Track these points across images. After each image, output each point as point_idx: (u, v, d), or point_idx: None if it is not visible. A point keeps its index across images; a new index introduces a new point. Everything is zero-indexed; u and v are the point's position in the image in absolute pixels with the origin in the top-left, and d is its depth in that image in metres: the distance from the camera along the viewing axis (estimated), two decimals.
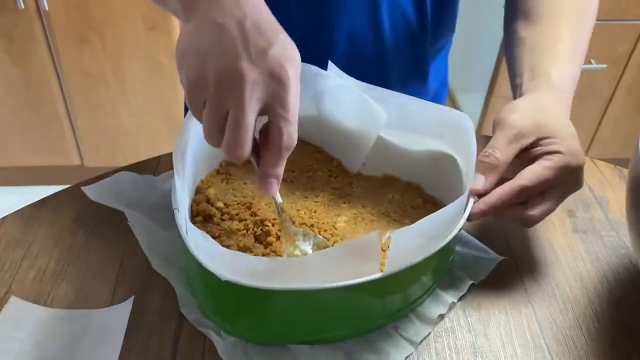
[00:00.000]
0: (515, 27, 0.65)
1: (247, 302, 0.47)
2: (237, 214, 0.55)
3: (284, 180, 0.58)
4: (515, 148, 0.53)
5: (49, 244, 0.59)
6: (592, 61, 1.78)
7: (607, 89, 1.86)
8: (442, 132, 0.59)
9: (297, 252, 0.52)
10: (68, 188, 0.66)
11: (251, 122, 0.41)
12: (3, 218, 0.61)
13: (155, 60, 1.68)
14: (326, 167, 0.64)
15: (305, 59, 0.46)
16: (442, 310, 0.53)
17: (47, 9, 1.55)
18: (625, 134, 1.97)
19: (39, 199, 0.64)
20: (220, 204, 0.57)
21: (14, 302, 0.52)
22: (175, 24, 1.63)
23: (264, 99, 0.41)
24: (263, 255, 0.51)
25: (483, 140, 0.76)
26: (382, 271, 0.44)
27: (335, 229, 0.56)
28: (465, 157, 0.56)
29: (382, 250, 0.51)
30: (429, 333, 0.52)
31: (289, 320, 0.48)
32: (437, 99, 0.85)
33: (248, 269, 0.43)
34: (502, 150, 0.52)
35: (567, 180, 0.53)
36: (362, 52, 0.71)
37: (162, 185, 0.64)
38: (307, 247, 0.52)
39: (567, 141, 0.53)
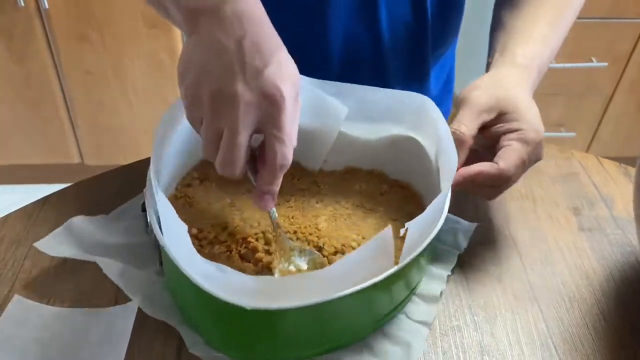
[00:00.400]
0: (500, 13, 0.67)
1: (267, 327, 0.45)
2: (215, 237, 0.53)
3: (249, 192, 0.58)
4: (479, 122, 0.54)
5: None
6: (593, 59, 1.78)
7: (608, 88, 1.86)
8: (403, 117, 0.59)
9: (291, 267, 0.51)
10: (70, 186, 0.65)
11: (243, 142, 0.42)
12: (5, 217, 0.61)
13: (156, 59, 1.68)
14: (287, 171, 0.63)
15: (300, 64, 0.46)
16: (442, 286, 0.55)
17: (47, 7, 1.55)
18: (626, 132, 1.97)
19: (40, 197, 0.63)
20: (194, 231, 0.53)
21: (17, 300, 0.51)
22: None
23: (257, 119, 0.42)
24: (257, 273, 0.50)
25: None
26: (396, 264, 0.44)
27: (319, 230, 0.55)
28: (430, 138, 0.57)
29: None
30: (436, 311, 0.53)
31: (308, 335, 0.47)
32: (438, 103, 0.84)
33: (269, 290, 0.42)
34: (468, 125, 0.54)
35: (531, 155, 0.54)
36: (358, 57, 0.71)
37: (117, 224, 0.59)
38: (303, 263, 0.51)
39: (527, 116, 0.54)
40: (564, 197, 0.67)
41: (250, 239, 0.52)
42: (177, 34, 1.64)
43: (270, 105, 0.41)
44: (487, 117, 0.55)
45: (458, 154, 0.51)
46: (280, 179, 0.45)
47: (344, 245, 0.53)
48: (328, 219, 0.57)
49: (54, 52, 1.65)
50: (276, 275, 0.49)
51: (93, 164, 1.90)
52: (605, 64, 1.77)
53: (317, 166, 0.63)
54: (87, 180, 0.66)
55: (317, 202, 0.59)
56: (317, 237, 0.54)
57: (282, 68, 0.43)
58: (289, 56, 0.45)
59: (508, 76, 0.58)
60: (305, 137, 0.60)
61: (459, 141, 0.53)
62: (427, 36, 0.72)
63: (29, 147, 1.85)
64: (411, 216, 0.49)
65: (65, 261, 0.56)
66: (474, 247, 0.60)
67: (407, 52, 0.73)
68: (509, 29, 0.64)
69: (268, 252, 0.51)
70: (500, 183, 0.53)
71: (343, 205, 0.59)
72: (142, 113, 1.79)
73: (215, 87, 0.41)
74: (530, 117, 0.54)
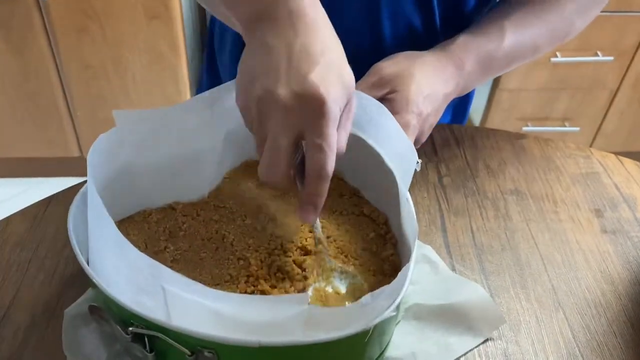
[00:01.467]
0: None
1: None
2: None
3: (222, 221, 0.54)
4: (374, 95, 0.54)
5: (57, 245, 0.56)
6: (599, 53, 1.76)
7: (613, 82, 1.84)
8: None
9: (328, 288, 0.48)
10: (75, 185, 0.63)
11: (285, 148, 0.40)
12: (8, 218, 0.59)
13: (156, 51, 1.65)
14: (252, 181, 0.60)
15: None
16: None
17: None
18: (630, 127, 1.96)
19: (39, 191, 0.61)
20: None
21: None
22: (177, 13, 1.60)
23: (299, 126, 0.40)
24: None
25: (486, 132, 0.74)
26: None
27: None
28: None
29: None
30: None
31: None
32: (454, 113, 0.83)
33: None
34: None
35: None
36: (361, 61, 0.68)
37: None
38: (342, 286, 0.48)
39: (408, 93, 0.56)
40: (585, 198, 0.65)
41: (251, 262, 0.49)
42: (178, 25, 1.61)
43: (312, 112, 0.39)
44: (381, 92, 0.56)
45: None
46: (325, 190, 0.42)
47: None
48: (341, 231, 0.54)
49: (53, 44, 1.62)
50: (310, 293, 0.47)
51: None
52: (611, 58, 1.75)
53: None
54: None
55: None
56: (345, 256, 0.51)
57: (331, 71, 0.41)
58: (344, 58, 0.43)
59: (425, 57, 0.59)
60: None
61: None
62: (437, 41, 0.69)
63: (28, 141, 1.82)
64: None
65: (70, 265, 0.54)
66: (495, 251, 0.58)
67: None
68: (480, 21, 0.64)
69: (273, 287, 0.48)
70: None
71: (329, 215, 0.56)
72: (142, 106, 1.77)
73: (260, 92, 0.40)
74: (410, 94, 0.55)
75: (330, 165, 0.41)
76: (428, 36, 0.69)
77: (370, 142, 0.55)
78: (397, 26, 0.68)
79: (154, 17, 1.59)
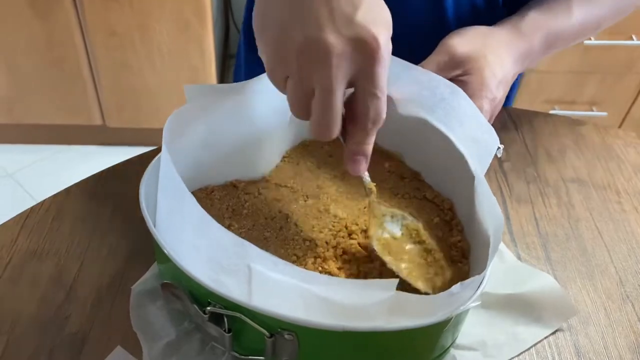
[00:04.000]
0: None
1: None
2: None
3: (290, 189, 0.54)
4: (445, 76, 0.51)
5: (117, 219, 0.55)
6: (634, 37, 1.72)
7: None
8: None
9: (385, 234, 0.48)
10: (131, 159, 0.62)
11: (340, 101, 0.38)
12: (67, 189, 0.58)
13: (182, 21, 1.62)
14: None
15: None
16: None
17: None
18: None
19: (104, 168, 0.60)
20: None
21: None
22: None
23: (351, 73, 0.37)
24: None
25: (544, 117, 0.72)
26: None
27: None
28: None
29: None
30: None
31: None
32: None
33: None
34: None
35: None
36: (423, 37, 0.66)
37: None
38: (397, 230, 0.48)
39: (483, 77, 0.53)
40: None
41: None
42: None
43: (365, 57, 0.37)
44: (452, 74, 0.54)
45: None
46: (374, 138, 0.41)
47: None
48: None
49: (79, 11, 1.60)
50: (375, 245, 0.46)
51: (114, 126, 1.87)
52: None
53: None
54: (155, 151, 0.62)
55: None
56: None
57: (374, 11, 0.37)
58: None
59: (498, 36, 0.57)
60: None
61: None
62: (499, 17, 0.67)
63: (51, 107, 1.81)
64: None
65: (133, 240, 0.53)
66: (560, 241, 0.57)
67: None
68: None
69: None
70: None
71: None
72: (167, 76, 1.75)
73: (301, 40, 0.36)
74: (484, 76, 0.53)
75: (385, 110, 0.39)
76: (489, 12, 0.66)
77: (436, 124, 0.54)
78: (460, 1, 0.66)
79: None
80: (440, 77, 0.52)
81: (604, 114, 1.91)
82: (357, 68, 0.37)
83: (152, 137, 1.81)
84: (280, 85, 0.40)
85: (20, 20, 1.60)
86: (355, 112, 0.39)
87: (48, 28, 1.63)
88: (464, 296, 0.40)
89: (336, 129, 0.39)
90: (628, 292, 0.53)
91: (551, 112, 1.88)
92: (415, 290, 0.45)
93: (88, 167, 0.61)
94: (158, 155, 0.47)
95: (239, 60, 0.85)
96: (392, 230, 0.48)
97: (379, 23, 0.37)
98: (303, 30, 0.36)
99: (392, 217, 0.48)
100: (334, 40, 0.36)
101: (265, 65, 0.40)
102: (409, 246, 0.48)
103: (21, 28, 1.62)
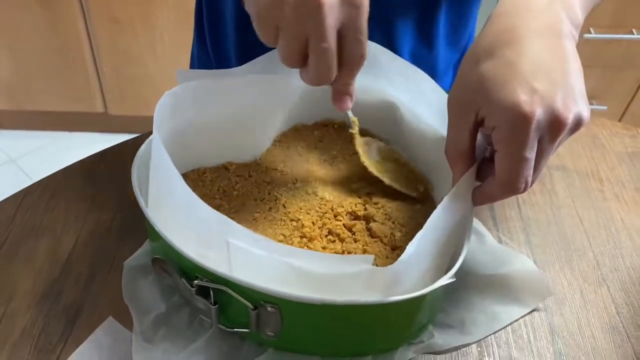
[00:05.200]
0: None
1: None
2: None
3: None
4: (467, 132, 0.43)
5: (112, 198, 0.57)
6: (634, 31, 1.72)
7: None
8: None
9: (371, 159, 0.55)
10: (127, 141, 0.64)
11: (334, 47, 0.41)
12: (65, 169, 0.60)
13: (185, 8, 1.64)
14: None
15: None
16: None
17: None
18: None
19: (97, 151, 0.62)
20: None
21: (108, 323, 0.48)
22: None
23: (340, 22, 0.41)
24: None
25: None
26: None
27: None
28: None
29: None
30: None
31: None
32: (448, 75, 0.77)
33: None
34: (454, 140, 0.45)
35: (524, 138, 0.39)
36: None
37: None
38: (375, 154, 0.55)
39: (493, 99, 0.40)
40: (631, 178, 0.65)
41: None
42: None
43: (351, 8, 0.40)
44: (468, 124, 0.43)
45: (453, 173, 0.45)
46: (356, 77, 0.45)
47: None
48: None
49: None
50: (372, 171, 0.54)
51: (116, 114, 1.88)
52: None
53: None
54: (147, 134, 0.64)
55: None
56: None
57: None
58: None
59: (491, 40, 0.43)
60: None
61: (452, 158, 0.46)
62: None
63: (53, 94, 1.83)
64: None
65: (126, 219, 0.55)
66: (541, 225, 0.59)
67: (415, 10, 0.67)
68: None
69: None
70: (512, 190, 0.42)
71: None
72: (168, 64, 1.76)
73: None
74: (497, 99, 0.40)
75: (367, 52, 0.43)
76: None
77: (417, 112, 0.56)
78: None
79: None
80: (423, 73, 0.55)
81: (604, 107, 1.91)
82: (345, 18, 0.40)
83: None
84: (271, 35, 0.41)
85: (24, 8, 1.62)
86: (342, 57, 0.42)
87: (51, 15, 1.64)
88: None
89: (334, 72, 0.42)
90: (604, 275, 0.54)
91: None
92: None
93: (90, 153, 0.63)
94: (150, 137, 0.49)
95: (192, 57, 0.83)
96: (373, 155, 0.55)
97: None
98: None
99: (368, 146, 0.55)
100: None
101: (254, 17, 0.41)
102: (387, 164, 0.56)
103: (25, 15, 1.63)
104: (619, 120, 1.98)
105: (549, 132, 0.40)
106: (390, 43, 0.65)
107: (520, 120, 0.39)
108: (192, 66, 0.82)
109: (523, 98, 0.39)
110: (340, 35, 0.41)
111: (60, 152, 1.90)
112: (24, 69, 1.76)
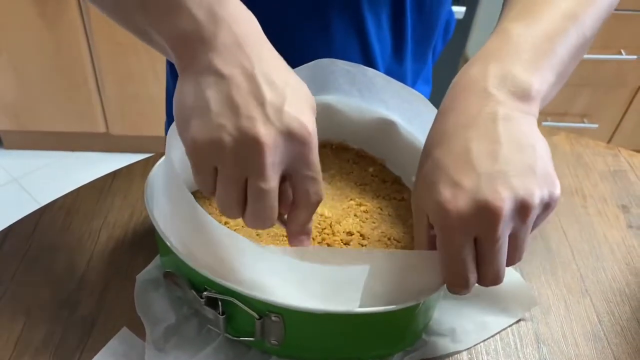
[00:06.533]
0: None
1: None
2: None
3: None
4: (422, 231, 0.44)
5: (124, 216, 0.61)
6: (623, 52, 1.77)
7: (635, 81, 1.86)
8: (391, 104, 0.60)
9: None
10: (138, 162, 0.67)
11: (275, 189, 0.38)
12: (78, 190, 0.63)
13: None
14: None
15: None
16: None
17: None
18: None
19: (109, 171, 0.66)
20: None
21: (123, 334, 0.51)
22: None
23: (285, 162, 0.38)
24: None
25: None
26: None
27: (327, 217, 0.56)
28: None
29: None
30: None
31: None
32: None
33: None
34: (414, 235, 0.47)
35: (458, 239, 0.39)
36: None
37: None
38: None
39: (428, 205, 0.41)
40: (613, 195, 0.69)
41: None
42: None
43: (298, 145, 0.38)
44: (424, 225, 0.44)
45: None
46: (312, 215, 0.42)
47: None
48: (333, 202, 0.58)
49: (86, 21, 1.65)
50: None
51: (118, 134, 1.92)
52: (635, 56, 1.77)
53: None
54: (157, 155, 0.68)
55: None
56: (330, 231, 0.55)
57: (299, 96, 0.39)
58: (297, 76, 0.40)
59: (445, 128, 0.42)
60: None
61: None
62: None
63: (56, 114, 1.86)
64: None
65: (138, 235, 0.59)
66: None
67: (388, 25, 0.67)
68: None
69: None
70: (454, 289, 0.43)
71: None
72: None
73: (234, 132, 0.36)
74: (427, 202, 0.41)
75: (323, 190, 0.41)
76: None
77: (414, 133, 0.60)
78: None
79: None
80: (416, 92, 0.58)
81: (595, 125, 1.96)
82: (291, 156, 0.38)
83: (154, 145, 1.86)
84: (207, 175, 0.39)
85: (29, 30, 1.65)
86: (296, 197, 0.40)
87: (55, 37, 1.67)
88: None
89: (272, 220, 0.40)
90: (587, 287, 0.58)
91: (544, 123, 1.94)
92: None
93: (91, 173, 0.66)
94: (162, 159, 0.52)
95: (167, 90, 0.82)
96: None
97: (306, 109, 0.39)
98: (234, 122, 0.36)
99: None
100: (267, 132, 0.36)
101: (190, 158, 0.39)
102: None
103: (29, 36, 1.67)
104: (610, 138, 2.02)
105: (486, 225, 0.37)
106: (369, 62, 0.68)
107: (444, 219, 0.38)
108: (167, 99, 0.81)
109: (446, 196, 0.38)
110: (290, 175, 0.40)
111: (62, 172, 1.93)
112: (28, 90, 1.79)
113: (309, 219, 0.42)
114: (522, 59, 0.42)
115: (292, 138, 0.37)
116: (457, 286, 0.41)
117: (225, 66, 0.37)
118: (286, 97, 0.37)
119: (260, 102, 0.37)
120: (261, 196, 0.38)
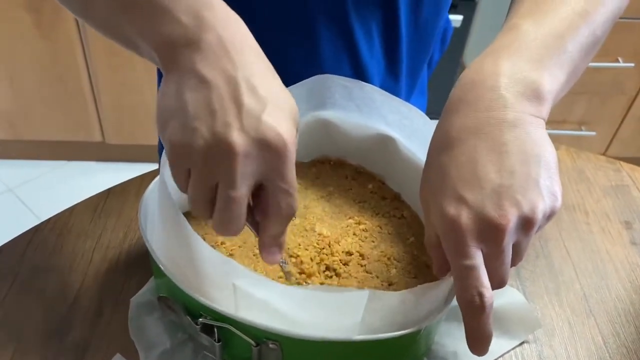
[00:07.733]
0: None
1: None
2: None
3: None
4: (430, 227, 0.44)
5: (118, 236, 0.59)
6: (620, 59, 1.77)
7: (633, 88, 1.86)
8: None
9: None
10: (132, 179, 0.66)
11: (244, 198, 0.38)
12: (71, 208, 0.62)
13: None
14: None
15: None
16: None
17: None
18: None
19: (103, 183, 0.64)
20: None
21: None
22: None
23: (258, 172, 0.37)
24: None
25: None
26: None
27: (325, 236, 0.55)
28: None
29: None
30: None
31: None
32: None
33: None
34: (425, 230, 0.46)
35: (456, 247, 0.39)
36: None
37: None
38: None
39: (433, 212, 0.41)
40: (615, 210, 0.68)
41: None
42: None
43: (273, 156, 0.37)
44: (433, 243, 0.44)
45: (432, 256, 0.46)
46: (286, 228, 0.41)
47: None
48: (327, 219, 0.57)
49: (82, 32, 1.65)
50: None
51: (113, 143, 1.91)
52: (632, 64, 1.77)
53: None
54: (152, 173, 0.67)
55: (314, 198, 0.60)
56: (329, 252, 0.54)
57: (281, 105, 0.38)
58: (283, 85, 0.40)
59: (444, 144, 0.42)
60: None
61: (430, 250, 0.46)
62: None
63: (52, 124, 1.85)
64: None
65: (132, 255, 0.57)
66: (530, 258, 0.61)
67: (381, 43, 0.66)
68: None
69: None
70: (469, 307, 0.40)
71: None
72: None
73: (208, 136, 0.36)
74: (432, 207, 0.41)
75: (297, 203, 0.39)
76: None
77: (413, 149, 0.59)
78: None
79: None
80: (415, 108, 0.57)
81: (593, 133, 1.96)
82: (265, 167, 0.37)
83: (150, 154, 1.85)
84: (181, 176, 0.39)
85: (24, 39, 1.64)
86: (268, 207, 0.39)
87: (51, 46, 1.67)
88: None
89: (240, 226, 0.39)
90: (591, 307, 0.57)
91: None
92: None
93: (87, 182, 0.65)
94: (156, 178, 0.51)
95: None
96: None
97: (286, 118, 0.38)
98: (209, 127, 0.36)
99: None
100: (240, 140, 0.36)
101: (168, 158, 0.39)
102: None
103: (25, 46, 1.66)
104: (608, 146, 2.02)
105: (490, 240, 0.38)
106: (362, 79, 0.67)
107: (448, 232, 0.38)
108: None
109: (450, 211, 0.38)
110: (263, 185, 0.39)
111: (58, 181, 1.92)
112: (24, 99, 1.78)
113: (282, 231, 0.41)
114: (533, 55, 0.41)
115: (266, 148, 0.36)
116: (468, 301, 0.39)
117: (208, 69, 0.36)
118: (266, 105, 0.37)
119: (239, 109, 0.36)
120: (229, 203, 0.37)
